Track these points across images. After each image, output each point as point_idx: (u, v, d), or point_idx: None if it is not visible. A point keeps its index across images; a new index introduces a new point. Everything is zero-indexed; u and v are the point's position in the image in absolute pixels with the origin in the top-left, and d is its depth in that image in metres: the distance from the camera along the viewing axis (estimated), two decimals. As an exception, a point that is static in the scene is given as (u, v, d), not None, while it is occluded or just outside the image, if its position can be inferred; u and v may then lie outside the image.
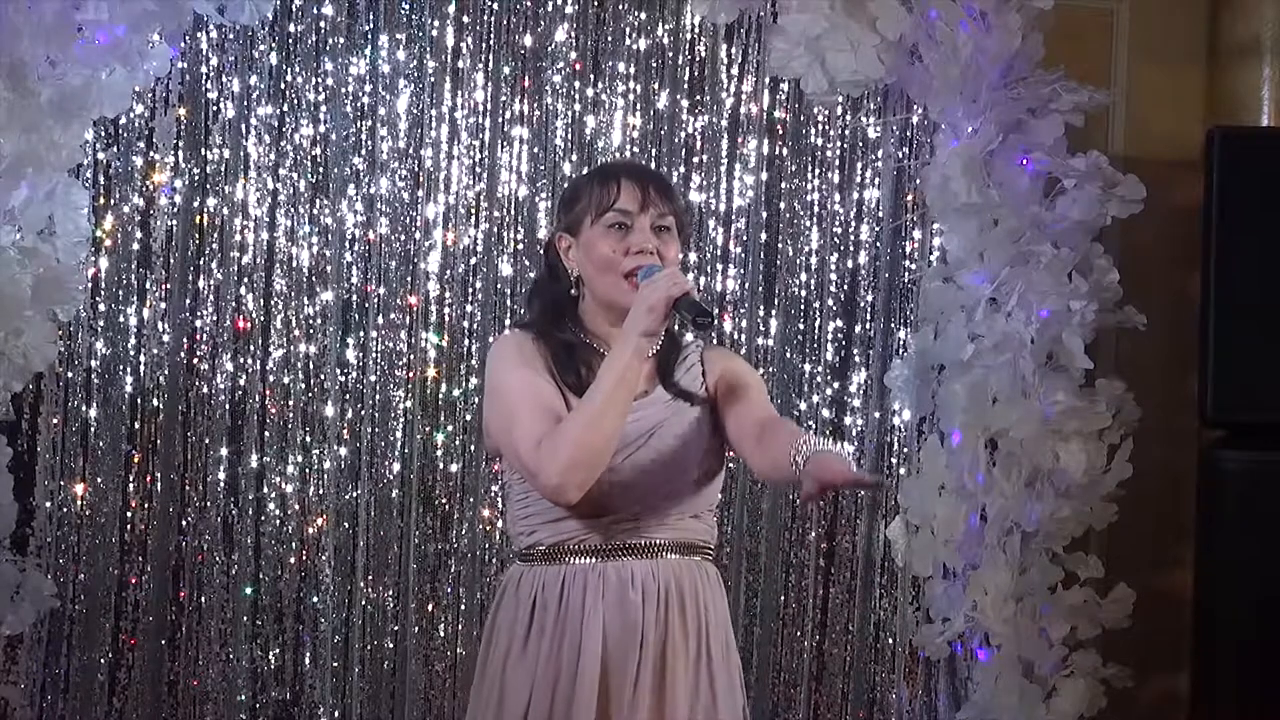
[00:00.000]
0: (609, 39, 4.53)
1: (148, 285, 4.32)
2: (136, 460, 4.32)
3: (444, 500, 4.46)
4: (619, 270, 2.91)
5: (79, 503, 4.26)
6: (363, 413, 4.41)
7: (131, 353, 4.30)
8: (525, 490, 2.95)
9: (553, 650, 2.89)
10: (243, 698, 4.34)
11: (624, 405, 2.82)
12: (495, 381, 2.95)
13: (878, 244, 4.65)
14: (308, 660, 4.39)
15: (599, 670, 2.86)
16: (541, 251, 3.14)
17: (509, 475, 3.00)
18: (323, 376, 4.40)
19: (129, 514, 4.30)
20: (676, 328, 3.01)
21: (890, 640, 4.62)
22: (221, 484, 4.35)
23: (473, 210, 4.48)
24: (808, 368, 4.63)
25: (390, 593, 4.42)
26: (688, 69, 4.57)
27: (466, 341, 4.47)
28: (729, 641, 3.02)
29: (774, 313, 4.61)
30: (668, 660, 2.90)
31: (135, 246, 4.31)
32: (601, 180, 2.98)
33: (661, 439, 2.91)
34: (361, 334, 4.42)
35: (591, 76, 4.53)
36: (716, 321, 2.89)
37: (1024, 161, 4.31)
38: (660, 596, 2.91)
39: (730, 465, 4.53)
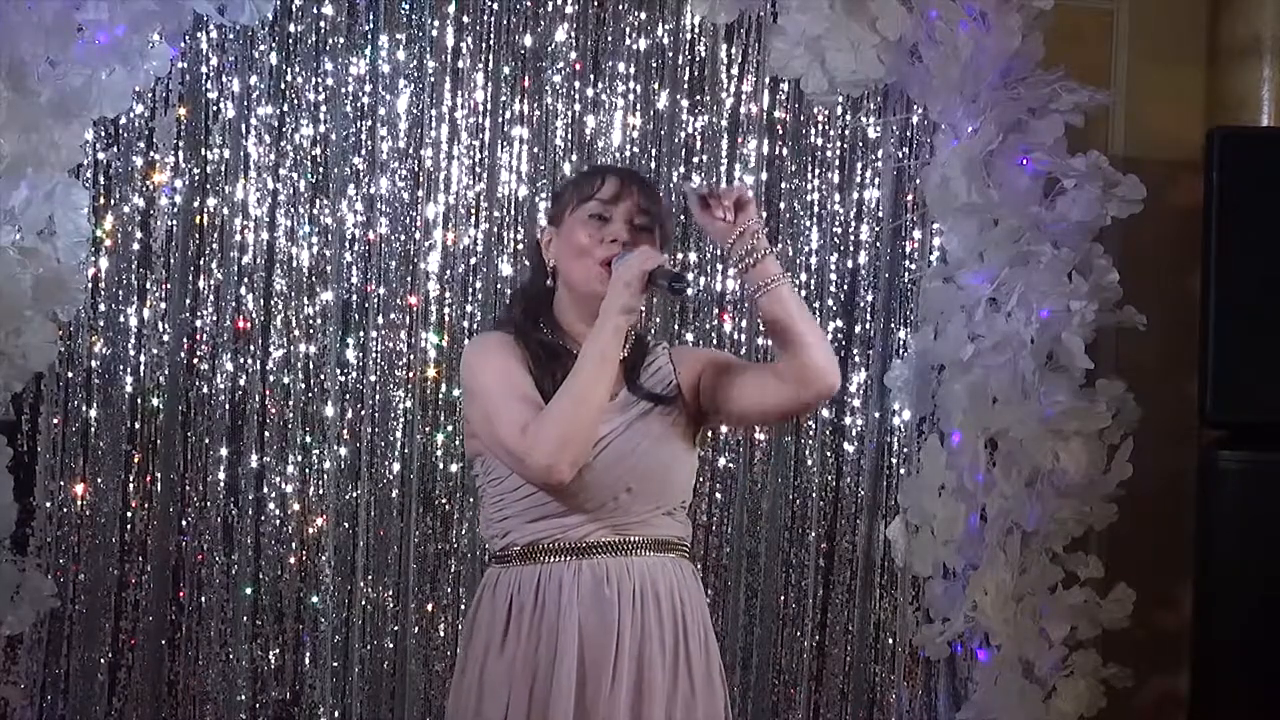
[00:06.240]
0: (609, 39, 4.53)
1: (148, 285, 4.32)
2: (136, 460, 4.31)
3: (444, 500, 4.47)
4: (594, 257, 2.94)
5: (79, 503, 4.26)
6: (363, 413, 4.41)
7: (131, 353, 4.31)
8: (499, 493, 2.98)
9: (530, 650, 2.91)
10: (243, 698, 4.34)
11: (608, 382, 2.87)
12: (474, 378, 2.98)
13: (878, 244, 4.65)
14: (308, 660, 4.39)
15: (576, 669, 2.88)
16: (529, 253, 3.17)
17: (483, 480, 3.03)
18: (323, 376, 4.40)
19: (129, 514, 4.30)
20: (655, 312, 3.04)
21: (890, 640, 4.62)
22: (221, 484, 4.35)
23: (473, 210, 4.48)
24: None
25: (390, 593, 4.43)
26: (688, 69, 4.57)
27: (466, 341, 4.46)
28: (708, 637, 3.03)
29: (774, 313, 4.60)
30: (644, 657, 2.91)
31: (135, 246, 4.31)
32: (588, 175, 3.07)
33: (627, 438, 2.93)
34: (361, 334, 4.42)
35: (591, 76, 4.53)
36: (693, 285, 2.94)
37: (1024, 161, 4.31)
38: (635, 594, 2.93)
39: (730, 465, 4.57)
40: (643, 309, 3.04)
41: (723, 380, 3.03)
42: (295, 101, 4.38)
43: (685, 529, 3.05)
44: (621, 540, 2.94)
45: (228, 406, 4.35)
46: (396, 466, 4.43)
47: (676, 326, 4.52)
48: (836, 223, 4.65)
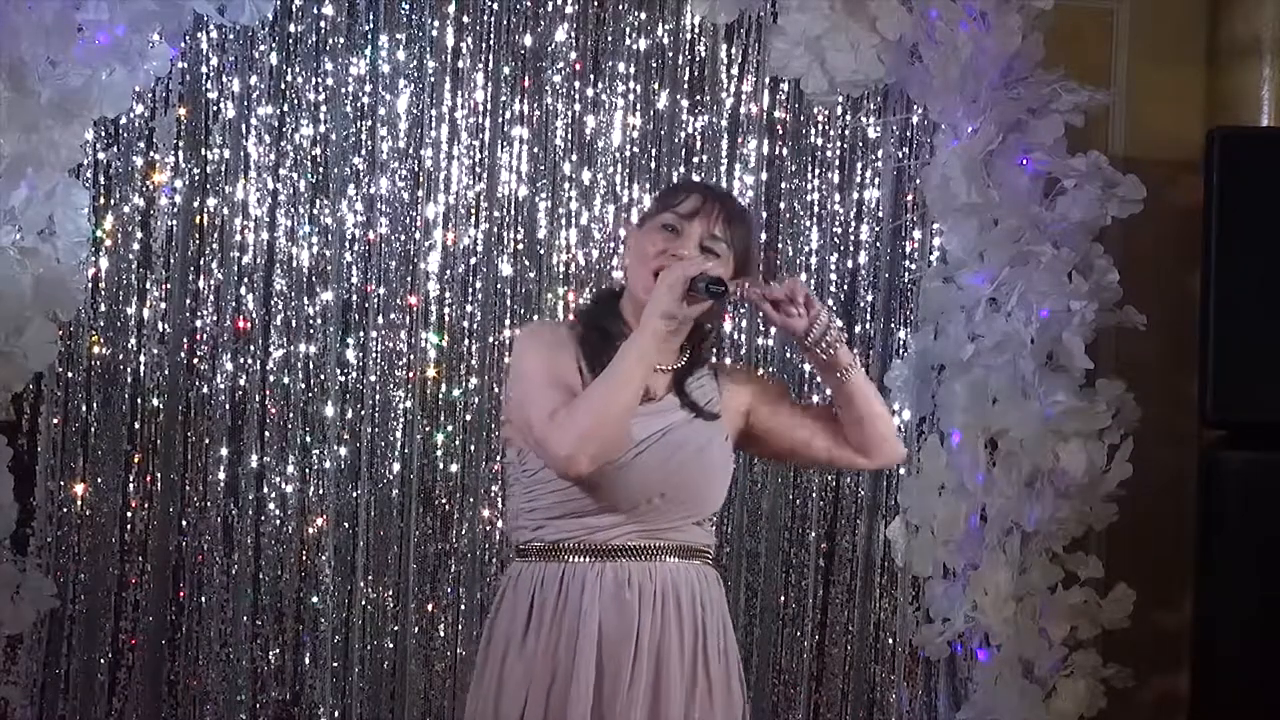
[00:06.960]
0: (609, 39, 4.53)
1: (148, 285, 4.32)
2: (136, 460, 4.32)
3: (444, 500, 4.47)
4: (650, 266, 2.97)
5: (79, 503, 4.26)
6: (363, 413, 4.41)
7: (131, 353, 4.31)
8: (530, 485, 2.99)
9: (549, 648, 2.92)
10: (243, 698, 4.34)
11: (640, 383, 2.90)
12: (518, 361, 3.02)
13: (878, 244, 4.65)
14: (308, 660, 4.39)
15: (594, 670, 2.89)
16: None
17: (515, 470, 3.04)
18: (323, 376, 4.40)
19: (129, 514, 4.31)
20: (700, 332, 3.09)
21: (890, 640, 4.62)
22: (221, 484, 4.35)
23: (473, 210, 4.48)
24: (808, 368, 4.62)
25: (390, 593, 4.43)
26: (688, 69, 4.57)
27: (466, 341, 4.47)
28: (728, 644, 3.05)
29: (774, 312, 4.60)
30: (662, 661, 2.93)
31: (135, 246, 4.32)
32: (677, 186, 3.18)
33: (666, 444, 2.95)
34: (361, 334, 4.42)
35: (591, 76, 4.53)
36: (729, 290, 2.98)
37: (1024, 161, 4.31)
38: (656, 598, 2.94)
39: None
40: (709, 322, 3.09)
41: (790, 424, 3.12)
42: (295, 101, 4.38)
43: (711, 537, 3.09)
44: (649, 544, 2.97)
45: (228, 406, 4.35)
46: (396, 466, 4.43)
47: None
48: (836, 223, 4.65)
